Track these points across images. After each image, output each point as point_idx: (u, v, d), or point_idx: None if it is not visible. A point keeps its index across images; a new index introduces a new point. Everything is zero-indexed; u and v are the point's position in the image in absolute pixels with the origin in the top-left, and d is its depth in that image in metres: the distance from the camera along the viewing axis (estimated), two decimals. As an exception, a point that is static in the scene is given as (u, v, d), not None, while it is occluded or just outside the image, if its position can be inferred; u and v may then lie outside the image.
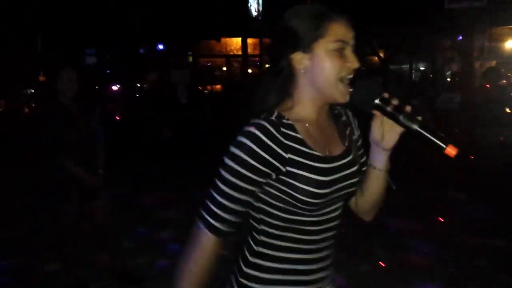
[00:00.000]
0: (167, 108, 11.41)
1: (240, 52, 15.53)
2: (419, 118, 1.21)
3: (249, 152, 1.20)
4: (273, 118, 1.25)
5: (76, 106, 3.53)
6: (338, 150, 1.34)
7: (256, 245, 1.32)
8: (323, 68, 1.24)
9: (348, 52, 1.26)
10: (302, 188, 1.23)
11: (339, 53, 1.24)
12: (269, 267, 1.30)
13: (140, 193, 6.59)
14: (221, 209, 1.24)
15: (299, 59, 1.27)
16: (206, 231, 1.25)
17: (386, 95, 1.24)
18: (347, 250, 4.41)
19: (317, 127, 1.32)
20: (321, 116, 1.34)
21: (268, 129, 1.22)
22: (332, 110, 1.41)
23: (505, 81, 6.51)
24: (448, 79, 12.78)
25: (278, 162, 1.22)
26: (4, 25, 11.94)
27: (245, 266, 1.32)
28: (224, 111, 12.02)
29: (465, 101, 6.71)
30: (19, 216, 5.53)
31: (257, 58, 16.11)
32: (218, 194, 1.24)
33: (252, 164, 1.21)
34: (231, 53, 15.72)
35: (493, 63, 11.75)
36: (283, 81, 1.29)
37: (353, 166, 1.36)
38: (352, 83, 1.27)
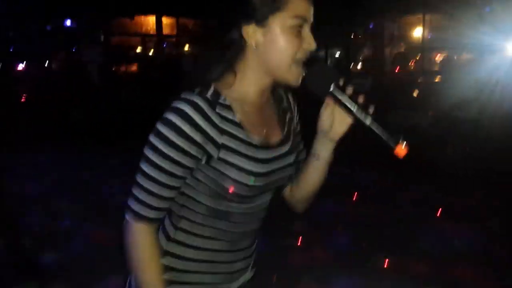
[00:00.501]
0: (76, 89, 10.75)
1: (155, 32, 15.01)
2: (371, 110, 1.14)
3: (178, 133, 1.06)
4: (209, 95, 1.11)
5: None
6: (276, 137, 1.24)
7: (174, 232, 1.22)
8: (278, 46, 1.11)
9: (306, 31, 1.14)
10: (235, 179, 1.12)
11: (297, 31, 1.11)
12: (186, 256, 1.22)
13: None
14: (147, 193, 1.11)
15: (252, 33, 1.12)
16: (136, 222, 1.13)
17: (342, 82, 1.14)
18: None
19: (257, 111, 1.20)
20: (263, 99, 1.22)
21: (201, 107, 1.08)
22: (274, 93, 1.29)
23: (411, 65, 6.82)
24: (358, 66, 13.28)
25: (210, 147, 1.10)
26: None
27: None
28: (139, 92, 11.58)
29: (376, 85, 6.96)
30: None
31: (174, 39, 15.70)
32: (143, 178, 1.11)
33: (181, 146, 1.07)
34: (146, 32, 15.13)
35: (402, 49, 12.37)
36: (230, 55, 1.15)
37: (290, 155, 1.27)
38: (306, 66, 1.15)
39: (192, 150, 1.09)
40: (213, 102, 1.10)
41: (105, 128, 8.90)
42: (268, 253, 3.87)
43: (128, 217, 1.14)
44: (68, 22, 14.43)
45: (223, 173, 1.13)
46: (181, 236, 1.21)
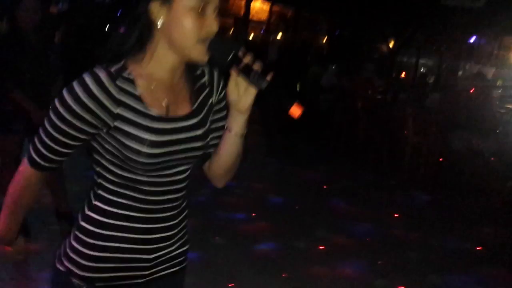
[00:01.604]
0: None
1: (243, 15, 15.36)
2: (268, 77, 1.19)
3: (76, 99, 1.16)
4: (113, 69, 1.19)
5: (35, 36, 3.47)
6: (183, 111, 1.29)
7: (94, 199, 1.30)
8: (181, 26, 1.17)
9: (210, 12, 1.19)
10: (131, 146, 1.19)
11: (200, 12, 1.17)
12: (105, 223, 1.28)
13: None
14: (44, 147, 1.23)
15: (156, 11, 1.18)
16: (28, 163, 1.27)
17: (240, 53, 1.19)
18: (287, 225, 4.50)
19: (164, 86, 1.26)
20: (174, 75, 1.27)
21: (101, 79, 1.16)
22: (193, 71, 1.34)
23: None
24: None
25: (105, 116, 1.18)
26: None
27: (82, 219, 1.31)
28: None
29: (445, 102, 6.65)
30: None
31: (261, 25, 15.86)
32: (43, 133, 1.22)
33: (77, 112, 1.16)
34: (237, 15, 15.51)
35: (478, 68, 11.67)
36: (138, 32, 1.21)
37: (198, 129, 1.31)
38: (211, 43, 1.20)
39: (87, 116, 1.17)
40: (115, 75, 1.18)
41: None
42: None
43: (25, 160, 1.28)
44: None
45: (120, 142, 1.20)
46: (99, 202, 1.28)
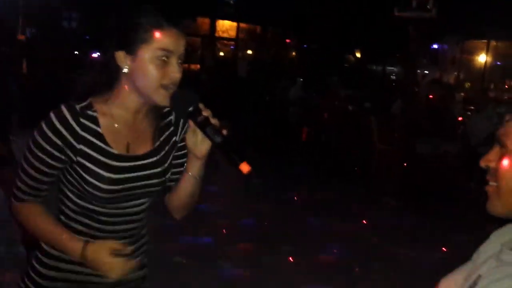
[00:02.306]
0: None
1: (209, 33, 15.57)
2: (224, 132, 1.27)
3: (43, 136, 1.26)
4: (78, 106, 1.28)
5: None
6: (143, 150, 1.37)
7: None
8: (145, 73, 1.26)
9: (173, 61, 1.27)
10: (90, 181, 1.28)
11: (163, 61, 1.25)
12: None
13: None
14: (22, 182, 1.34)
15: (122, 59, 1.28)
16: (16, 202, 1.38)
17: (200, 106, 1.27)
18: (261, 242, 4.52)
19: (127, 124, 1.34)
20: (137, 116, 1.35)
21: (65, 116, 1.25)
22: (159, 110, 1.41)
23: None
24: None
25: (69, 150, 1.27)
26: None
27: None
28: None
29: (408, 108, 6.84)
30: None
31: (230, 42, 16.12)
32: (20, 171, 1.33)
33: (45, 147, 1.27)
34: (204, 34, 15.69)
35: (437, 74, 12.04)
36: (106, 74, 1.31)
37: (157, 167, 1.38)
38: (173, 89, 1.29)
39: (55, 151, 1.27)
40: (80, 113, 1.27)
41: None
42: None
43: (12, 200, 1.38)
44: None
45: (81, 176, 1.29)
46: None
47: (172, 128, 1.44)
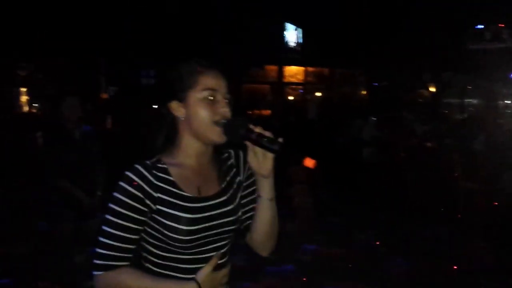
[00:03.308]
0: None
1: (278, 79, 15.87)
2: (280, 140, 1.34)
3: (124, 192, 1.33)
4: (149, 162, 1.38)
5: (78, 130, 3.75)
6: (213, 191, 1.42)
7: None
8: (197, 114, 1.36)
9: (220, 98, 1.38)
10: (171, 225, 1.33)
11: (210, 100, 1.36)
12: None
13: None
14: (107, 248, 1.32)
15: (176, 107, 1.39)
16: (99, 272, 1.33)
17: (250, 126, 1.35)
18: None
19: (194, 170, 1.42)
20: (202, 160, 1.43)
21: (140, 170, 1.35)
22: (220, 154, 1.49)
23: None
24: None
25: (149, 200, 1.34)
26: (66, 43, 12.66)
27: None
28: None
29: (492, 142, 6.42)
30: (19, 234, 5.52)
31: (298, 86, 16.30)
32: (104, 236, 1.33)
33: (127, 202, 1.33)
34: (272, 80, 16.04)
35: None
36: (166, 128, 1.42)
37: (228, 205, 1.43)
38: (226, 125, 1.37)
39: (138, 204, 1.33)
40: (151, 167, 1.36)
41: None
42: None
43: (99, 272, 1.33)
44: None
45: (161, 222, 1.34)
46: None
47: (234, 170, 1.51)
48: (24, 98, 14.96)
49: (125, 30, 13.03)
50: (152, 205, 1.34)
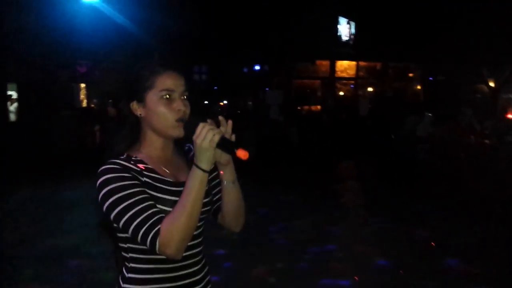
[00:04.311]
0: (256, 126, 11.76)
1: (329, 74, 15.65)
2: (232, 139, 1.41)
3: (115, 171, 1.37)
4: (121, 158, 1.44)
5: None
6: (185, 177, 1.45)
7: (127, 272, 1.46)
8: (155, 113, 1.45)
9: (176, 97, 1.45)
10: (161, 209, 1.38)
11: (167, 99, 1.45)
12: (144, 284, 1.43)
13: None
14: (144, 216, 1.33)
15: (136, 107, 1.48)
16: (156, 237, 1.32)
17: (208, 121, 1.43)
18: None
19: (164, 161, 1.51)
20: (166, 152, 1.53)
21: (120, 162, 1.41)
22: (182, 147, 1.60)
23: None
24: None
25: (139, 182, 1.40)
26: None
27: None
28: (311, 132, 12.06)
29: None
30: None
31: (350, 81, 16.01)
32: (131, 211, 1.33)
33: (124, 175, 1.37)
34: (323, 75, 15.83)
35: None
36: (129, 127, 1.50)
37: None
38: (184, 121, 1.46)
39: (134, 180, 1.37)
40: (126, 159, 1.43)
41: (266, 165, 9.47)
42: None
43: (152, 238, 1.32)
44: (257, 67, 16.03)
45: None
46: (133, 274, 1.44)
47: None
48: (83, 94, 15.61)
49: (179, 26, 13.28)
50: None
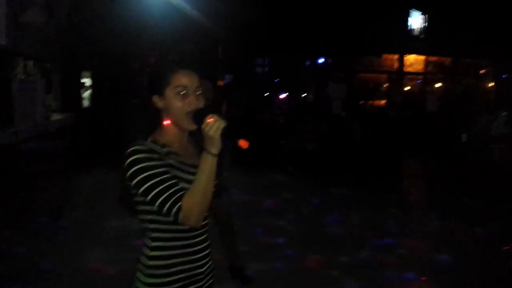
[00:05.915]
0: (317, 121, 11.64)
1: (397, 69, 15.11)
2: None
3: (143, 151, 1.58)
4: (145, 142, 1.64)
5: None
6: (197, 161, 1.66)
7: (152, 241, 1.65)
8: (172, 107, 1.67)
9: (191, 93, 1.66)
10: (185, 188, 1.57)
11: (183, 94, 1.66)
12: (168, 255, 1.64)
13: (261, 199, 6.77)
14: (166, 193, 1.54)
15: (157, 100, 1.69)
16: (178, 212, 1.54)
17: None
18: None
19: (181, 146, 1.73)
20: (182, 141, 1.74)
21: (144, 146, 1.61)
22: (193, 137, 1.79)
23: None
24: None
25: (163, 164, 1.59)
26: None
27: (148, 259, 1.65)
28: (375, 128, 11.75)
29: None
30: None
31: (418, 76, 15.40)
32: (157, 189, 1.54)
33: (151, 156, 1.58)
34: (390, 70, 15.33)
35: None
36: (151, 116, 1.71)
37: None
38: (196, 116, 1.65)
39: (159, 161, 1.58)
40: (150, 143, 1.64)
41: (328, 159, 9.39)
42: None
43: (176, 213, 1.53)
44: (320, 60, 15.82)
45: None
46: (158, 242, 1.65)
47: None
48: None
49: (246, 17, 13.35)
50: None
